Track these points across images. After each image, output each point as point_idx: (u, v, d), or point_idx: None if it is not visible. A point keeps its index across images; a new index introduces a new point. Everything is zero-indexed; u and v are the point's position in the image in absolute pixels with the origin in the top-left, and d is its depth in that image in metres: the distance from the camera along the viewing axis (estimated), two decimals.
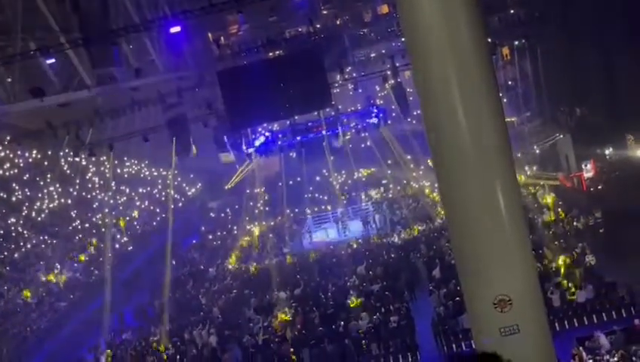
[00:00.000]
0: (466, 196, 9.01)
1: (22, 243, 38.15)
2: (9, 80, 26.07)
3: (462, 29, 8.49)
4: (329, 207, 47.43)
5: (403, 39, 40.31)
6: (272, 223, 46.62)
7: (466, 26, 8.49)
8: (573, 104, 37.28)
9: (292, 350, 25.26)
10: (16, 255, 37.35)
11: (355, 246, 36.84)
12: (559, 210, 34.10)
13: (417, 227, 37.16)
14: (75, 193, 43.79)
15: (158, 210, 50.20)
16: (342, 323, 26.06)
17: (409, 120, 43.82)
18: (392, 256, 33.32)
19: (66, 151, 39.53)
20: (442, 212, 36.61)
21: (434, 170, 9.61)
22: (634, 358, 17.70)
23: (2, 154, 37.62)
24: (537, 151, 42.23)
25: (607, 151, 35.94)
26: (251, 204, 50.75)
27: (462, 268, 9.65)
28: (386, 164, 48.99)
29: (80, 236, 42.02)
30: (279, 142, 43.41)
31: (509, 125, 8.77)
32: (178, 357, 27.43)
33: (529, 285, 9.25)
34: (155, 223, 48.85)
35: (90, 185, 45.78)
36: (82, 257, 40.80)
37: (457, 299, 24.35)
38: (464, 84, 8.67)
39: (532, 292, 9.30)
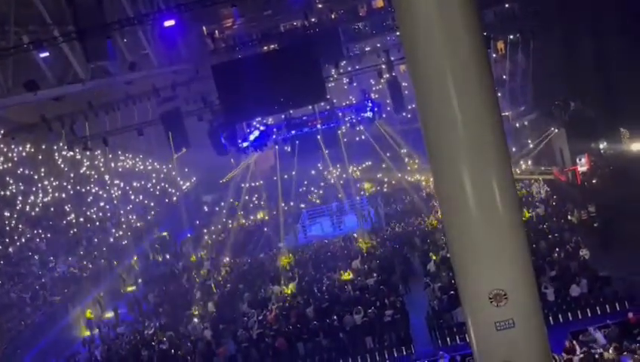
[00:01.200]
0: (461, 190, 9.00)
1: (16, 238, 38.02)
2: (2, 74, 25.94)
3: (458, 23, 8.46)
4: (318, 201, 47.51)
5: (398, 33, 40.35)
6: (267, 217, 46.63)
7: (462, 19, 8.47)
8: (568, 98, 37.30)
9: (287, 344, 25.27)
10: (10, 249, 37.22)
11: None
12: (553, 203, 34.19)
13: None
14: (69, 187, 43.68)
15: (152, 204, 50.12)
16: (336, 317, 26.08)
17: (404, 114, 43.89)
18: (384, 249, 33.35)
19: (61, 145, 39.42)
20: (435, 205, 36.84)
21: (429, 164, 9.59)
22: (627, 352, 17.72)
23: None
24: (532, 146, 42.29)
25: (601, 146, 36.01)
26: (247, 198, 50.86)
27: (457, 263, 9.65)
28: (381, 158, 49.09)
29: (74, 230, 41.88)
30: (274, 136, 43.38)
31: (504, 119, 8.77)
32: (172, 351, 27.39)
33: (524, 279, 9.25)
34: (149, 217, 48.76)
35: (84, 179, 45.65)
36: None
37: (452, 292, 24.43)
38: (459, 78, 8.66)
39: (527, 286, 9.31)
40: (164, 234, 46.71)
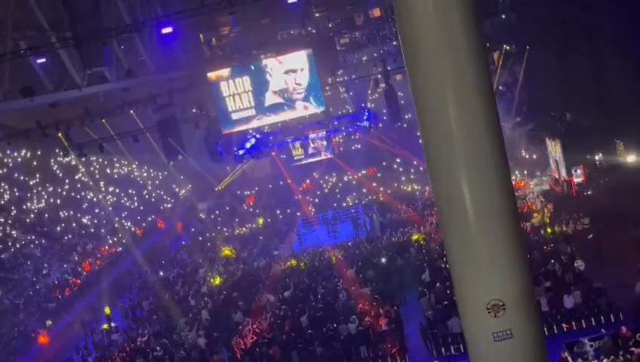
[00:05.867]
0: (459, 200, 8.99)
1: (10, 244, 37.92)
2: None
3: (459, 32, 8.49)
4: (313, 210, 47.46)
5: (394, 43, 40.48)
6: (261, 226, 46.58)
7: (464, 29, 8.49)
8: (564, 109, 37.42)
9: (281, 352, 25.19)
10: (3, 255, 37.11)
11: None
12: (547, 214, 34.20)
13: None
14: (64, 193, 43.63)
15: (148, 211, 50.07)
16: (330, 326, 26.00)
17: (400, 124, 43.95)
18: (382, 259, 33.22)
19: (56, 151, 39.41)
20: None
21: (428, 173, 9.60)
22: None
23: None
24: (527, 156, 42.40)
25: (596, 157, 36.08)
26: (244, 206, 50.85)
27: (455, 272, 9.63)
28: (377, 167, 49.14)
29: (69, 237, 41.79)
30: (270, 144, 43.41)
31: None
32: (167, 358, 27.27)
33: (523, 289, 9.24)
34: (144, 224, 48.69)
35: (79, 185, 45.60)
36: None
37: (446, 302, 24.40)
38: (459, 88, 8.68)
39: (526, 296, 9.30)
40: None
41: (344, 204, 46.97)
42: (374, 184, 49.08)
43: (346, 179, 51.18)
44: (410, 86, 9.01)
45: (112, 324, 33.74)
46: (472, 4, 8.56)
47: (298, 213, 46.75)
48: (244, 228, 46.36)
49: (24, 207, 40.45)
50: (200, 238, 46.56)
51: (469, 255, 9.22)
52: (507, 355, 9.26)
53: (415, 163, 47.29)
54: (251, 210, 50.54)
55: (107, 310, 34.95)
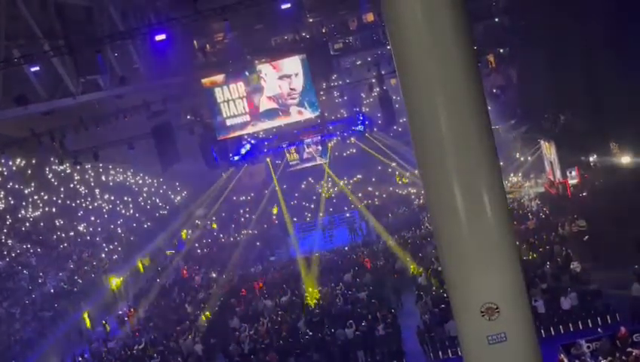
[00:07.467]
0: (452, 203, 8.99)
1: (5, 253, 37.78)
2: None
3: (448, 37, 8.50)
4: (309, 215, 47.46)
5: (388, 47, 40.56)
6: (256, 231, 46.57)
7: (453, 33, 8.50)
8: (558, 111, 37.42)
9: (278, 358, 25.13)
10: None
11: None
12: (543, 216, 34.22)
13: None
14: (59, 201, 43.52)
15: (143, 218, 49.96)
16: (327, 331, 25.94)
17: (395, 127, 43.99)
18: (379, 263, 33.22)
19: (51, 159, 39.30)
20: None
21: (420, 177, 9.59)
22: None
23: None
24: (522, 159, 42.42)
25: (591, 159, 36.09)
26: (241, 211, 50.79)
27: (449, 276, 9.63)
28: (372, 171, 49.09)
29: (65, 245, 41.66)
30: (265, 150, 43.40)
31: (494, 132, 8.75)
32: None
33: (516, 293, 9.24)
34: (140, 231, 48.58)
35: (75, 193, 45.51)
36: None
37: (443, 306, 24.38)
38: (450, 91, 8.68)
39: (519, 300, 9.30)
40: None
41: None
42: (370, 188, 49.09)
43: (342, 184, 51.20)
44: (400, 89, 9.02)
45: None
46: (461, 7, 8.57)
47: (294, 219, 46.75)
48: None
49: (19, 215, 40.33)
50: (196, 245, 46.57)
51: (462, 259, 9.22)
52: (502, 358, 9.26)
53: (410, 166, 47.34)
54: (247, 216, 50.54)
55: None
